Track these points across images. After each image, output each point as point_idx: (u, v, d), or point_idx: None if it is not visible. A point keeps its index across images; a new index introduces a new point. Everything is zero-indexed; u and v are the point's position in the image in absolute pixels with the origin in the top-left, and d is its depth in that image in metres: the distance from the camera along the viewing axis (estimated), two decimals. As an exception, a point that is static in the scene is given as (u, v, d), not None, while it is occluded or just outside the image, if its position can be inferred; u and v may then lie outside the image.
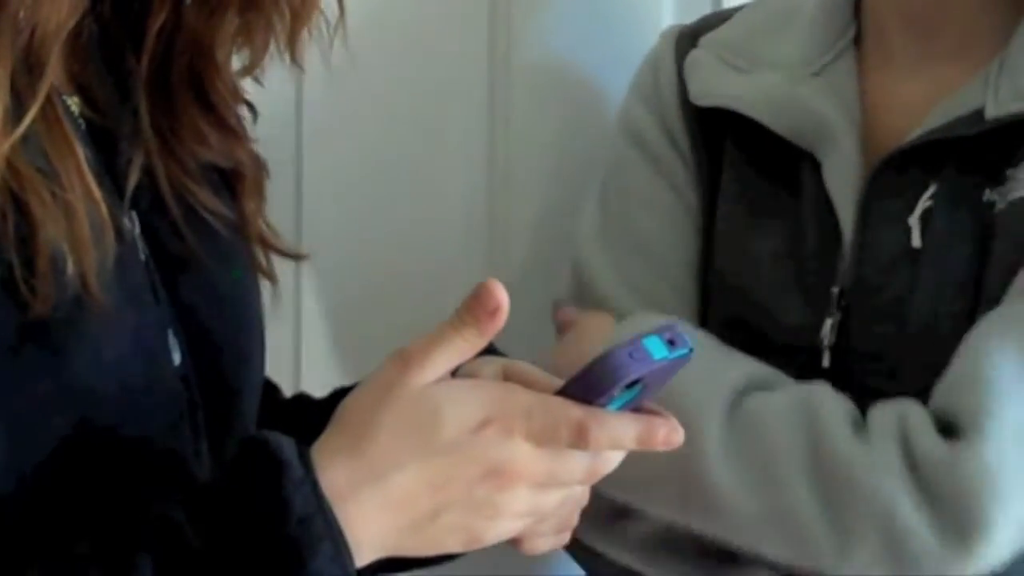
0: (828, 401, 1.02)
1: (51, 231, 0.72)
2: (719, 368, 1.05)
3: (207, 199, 0.88)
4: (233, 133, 0.90)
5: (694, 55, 1.19)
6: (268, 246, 0.93)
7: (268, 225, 0.93)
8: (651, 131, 1.20)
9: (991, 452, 0.97)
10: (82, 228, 0.74)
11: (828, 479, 0.99)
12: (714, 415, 1.02)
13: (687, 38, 1.21)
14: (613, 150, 1.22)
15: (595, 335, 1.09)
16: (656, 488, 1.04)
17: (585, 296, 1.17)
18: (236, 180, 0.91)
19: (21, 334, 0.72)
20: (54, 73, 0.75)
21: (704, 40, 1.20)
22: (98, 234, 0.75)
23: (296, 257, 0.97)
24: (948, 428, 0.99)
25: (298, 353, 1.28)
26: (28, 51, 0.74)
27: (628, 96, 1.24)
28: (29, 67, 0.74)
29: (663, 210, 1.18)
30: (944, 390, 1.01)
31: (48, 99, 0.74)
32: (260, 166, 0.93)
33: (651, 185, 1.19)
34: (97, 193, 0.75)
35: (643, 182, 1.19)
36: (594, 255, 1.18)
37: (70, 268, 0.73)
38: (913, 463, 0.98)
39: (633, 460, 1.03)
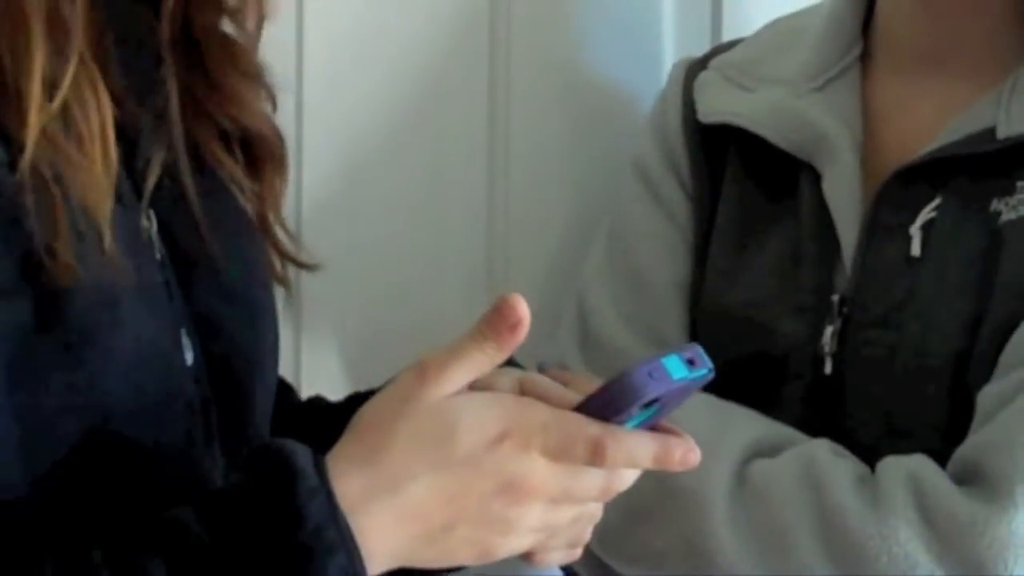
0: (832, 464, 1.01)
1: (72, 192, 0.73)
2: (720, 436, 1.04)
3: (233, 169, 0.88)
4: (262, 84, 0.89)
5: (702, 76, 1.21)
6: (282, 254, 0.93)
7: (286, 231, 0.93)
8: (653, 161, 1.21)
9: (1021, 520, 0.96)
10: (100, 188, 0.74)
11: (840, 550, 0.99)
12: (719, 489, 1.02)
13: (698, 64, 1.23)
14: (625, 185, 1.23)
15: None
16: (665, 564, 1.05)
17: (584, 329, 1.18)
18: (259, 154, 0.90)
19: (37, 329, 0.72)
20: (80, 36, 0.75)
21: (713, 62, 1.22)
22: (109, 195, 0.75)
23: (309, 267, 0.96)
24: (966, 481, 0.98)
25: (298, 355, 1.28)
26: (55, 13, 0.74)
27: (641, 132, 1.25)
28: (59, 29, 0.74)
29: (663, 244, 1.19)
30: (977, 446, 0.99)
31: (80, 60, 0.75)
32: (282, 142, 0.92)
33: (651, 216, 1.20)
34: (114, 155, 0.76)
35: (643, 214, 1.20)
36: (595, 288, 1.19)
37: (87, 230, 0.73)
38: (932, 524, 0.97)
39: (641, 536, 1.05)
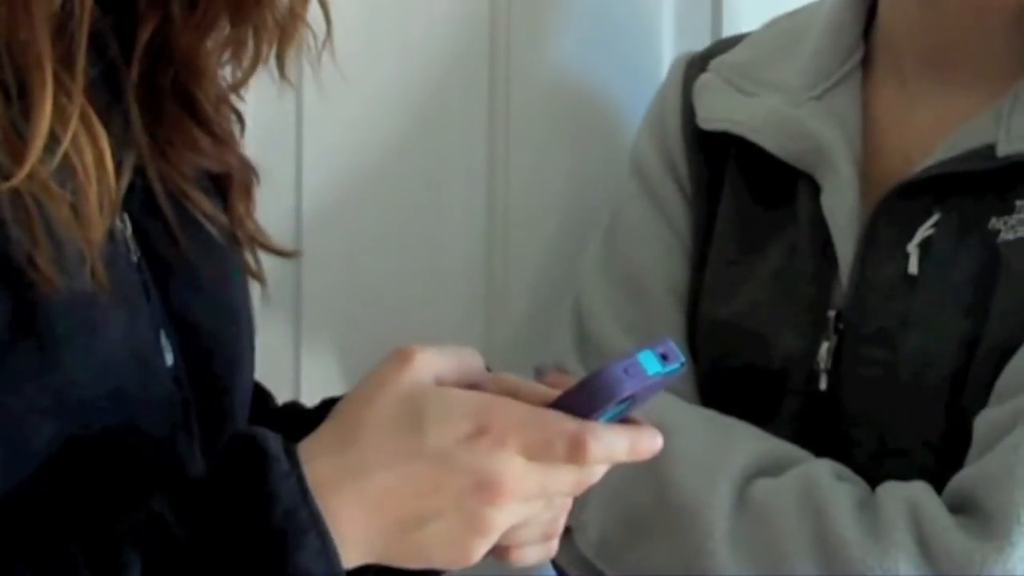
0: (833, 490, 1.00)
1: (55, 225, 0.73)
2: (721, 455, 1.04)
3: (201, 201, 0.88)
4: (221, 141, 0.90)
5: (703, 78, 1.19)
6: (260, 245, 0.93)
7: (257, 226, 0.93)
8: (652, 162, 1.20)
9: (1017, 559, 0.95)
10: (91, 224, 0.74)
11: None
12: (720, 509, 1.01)
13: (697, 62, 1.21)
14: (623, 181, 1.22)
15: None
16: None
17: (581, 330, 1.17)
18: (226, 184, 0.91)
19: (13, 332, 0.72)
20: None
21: (714, 63, 1.20)
22: (101, 228, 0.75)
23: (288, 254, 0.97)
24: (962, 511, 0.98)
25: (298, 355, 1.28)
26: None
27: (639, 128, 1.24)
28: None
29: (660, 248, 1.18)
30: (975, 478, 0.98)
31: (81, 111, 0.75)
32: (249, 169, 0.93)
33: (649, 219, 1.19)
34: (113, 192, 0.76)
35: (641, 216, 1.19)
36: (592, 289, 1.18)
37: (66, 239, 0.73)
38: (929, 558, 0.96)
39: (640, 551, 1.05)
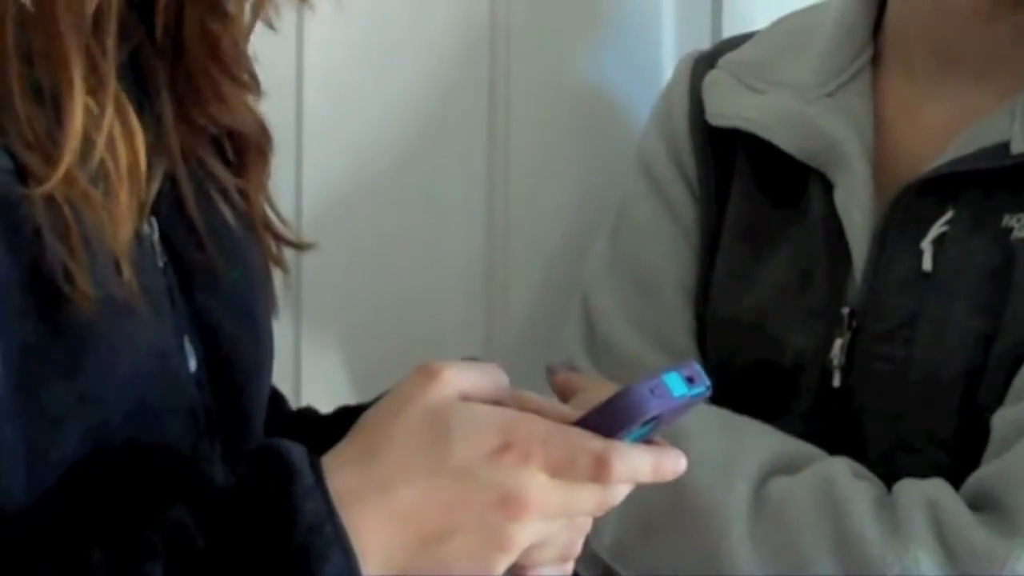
0: (850, 488, 1.01)
1: (87, 226, 0.72)
2: (736, 454, 1.04)
3: (219, 171, 0.87)
4: (246, 87, 0.88)
5: (712, 75, 1.19)
6: (273, 235, 0.93)
7: (274, 209, 0.92)
8: (659, 160, 1.20)
9: None
10: (121, 222, 0.74)
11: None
12: (738, 509, 1.02)
13: (705, 60, 1.21)
14: (629, 180, 1.22)
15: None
16: None
17: (590, 330, 1.18)
18: (243, 148, 0.90)
19: (41, 338, 0.72)
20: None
21: (722, 60, 1.20)
22: (131, 227, 0.75)
23: (300, 246, 0.96)
24: (982, 508, 0.98)
25: (298, 355, 1.28)
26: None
27: (645, 127, 1.24)
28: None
29: (668, 246, 1.18)
30: (995, 475, 0.99)
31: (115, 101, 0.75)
32: (267, 136, 0.92)
33: (657, 217, 1.19)
34: (144, 188, 0.76)
35: (649, 214, 1.19)
36: (601, 288, 1.19)
37: (100, 248, 0.73)
38: (951, 555, 0.97)
39: (656, 552, 1.05)
